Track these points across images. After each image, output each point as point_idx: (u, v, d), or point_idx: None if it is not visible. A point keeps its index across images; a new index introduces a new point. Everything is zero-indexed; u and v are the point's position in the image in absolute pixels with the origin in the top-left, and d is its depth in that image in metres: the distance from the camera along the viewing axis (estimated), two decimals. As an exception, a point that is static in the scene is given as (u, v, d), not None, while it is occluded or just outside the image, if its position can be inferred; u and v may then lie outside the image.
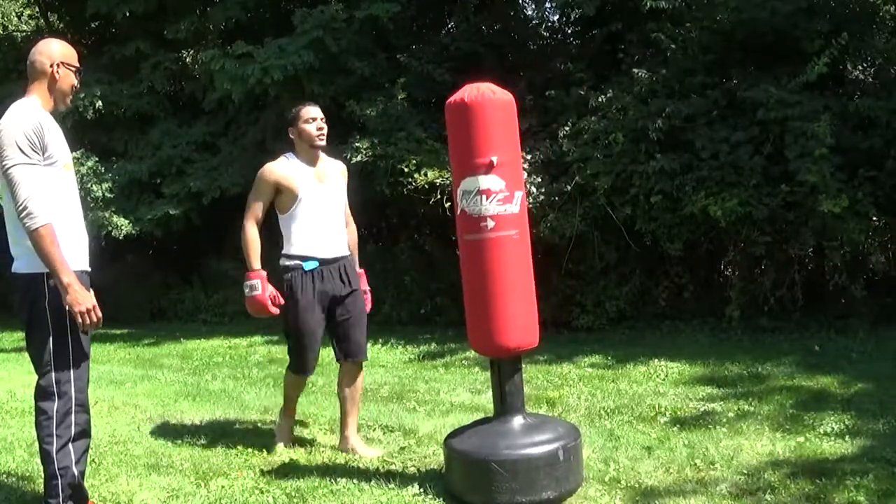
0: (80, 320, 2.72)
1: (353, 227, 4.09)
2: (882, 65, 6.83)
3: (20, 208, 2.69)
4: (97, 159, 8.90)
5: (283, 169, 3.78)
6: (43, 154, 2.79)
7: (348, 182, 4.03)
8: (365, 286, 4.04)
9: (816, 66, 6.02)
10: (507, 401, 3.24)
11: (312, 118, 3.78)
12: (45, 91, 2.93)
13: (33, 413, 2.90)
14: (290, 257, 3.77)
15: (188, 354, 7.26)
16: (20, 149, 2.73)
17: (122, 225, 8.53)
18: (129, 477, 3.63)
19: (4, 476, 3.71)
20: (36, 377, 2.89)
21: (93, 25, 10.67)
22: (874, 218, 6.12)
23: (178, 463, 3.82)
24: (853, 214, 5.88)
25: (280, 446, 3.98)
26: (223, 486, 3.46)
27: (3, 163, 2.73)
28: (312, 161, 3.82)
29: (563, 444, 3.10)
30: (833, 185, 5.75)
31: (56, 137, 2.87)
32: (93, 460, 3.65)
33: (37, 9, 11.52)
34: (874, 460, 3.38)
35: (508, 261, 3.14)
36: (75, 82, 3.01)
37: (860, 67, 7.05)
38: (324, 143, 3.82)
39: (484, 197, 3.10)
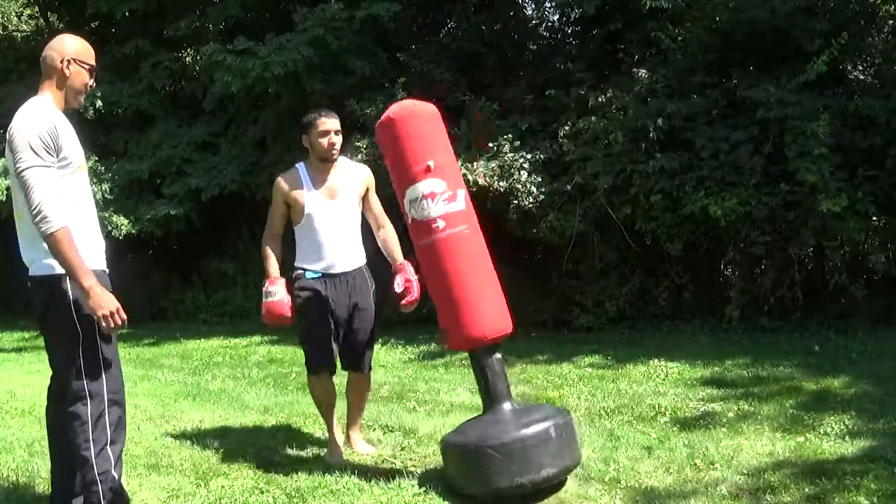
0: (104, 324, 2.62)
1: (389, 227, 3.96)
2: (882, 65, 6.83)
3: (35, 212, 2.59)
4: (97, 159, 8.90)
5: (290, 184, 3.70)
6: (57, 156, 2.69)
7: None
8: (411, 275, 3.88)
9: (816, 65, 6.02)
10: (491, 390, 3.29)
11: (326, 131, 3.69)
12: (56, 89, 2.83)
13: (65, 419, 2.78)
14: (296, 268, 3.77)
15: (188, 354, 7.25)
16: (34, 151, 2.62)
17: (122, 225, 8.53)
18: (129, 477, 3.62)
19: (4, 476, 3.71)
20: (48, 380, 2.83)
21: (92, 25, 10.67)
22: (874, 217, 6.13)
23: (178, 463, 3.81)
24: (853, 214, 5.88)
25: (332, 460, 3.76)
26: (223, 486, 3.45)
27: (17, 165, 2.63)
28: (324, 174, 3.72)
29: (553, 422, 3.14)
30: (833, 185, 5.76)
31: (70, 138, 2.77)
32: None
33: (37, 9, 11.52)
34: (874, 460, 3.37)
35: (465, 255, 3.27)
36: (88, 80, 2.90)
37: (860, 67, 7.06)
38: (336, 158, 3.74)
39: (429, 200, 3.24)
